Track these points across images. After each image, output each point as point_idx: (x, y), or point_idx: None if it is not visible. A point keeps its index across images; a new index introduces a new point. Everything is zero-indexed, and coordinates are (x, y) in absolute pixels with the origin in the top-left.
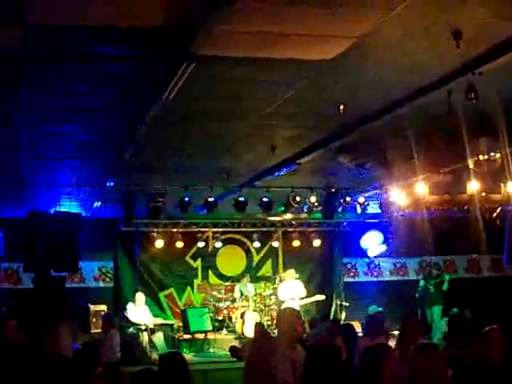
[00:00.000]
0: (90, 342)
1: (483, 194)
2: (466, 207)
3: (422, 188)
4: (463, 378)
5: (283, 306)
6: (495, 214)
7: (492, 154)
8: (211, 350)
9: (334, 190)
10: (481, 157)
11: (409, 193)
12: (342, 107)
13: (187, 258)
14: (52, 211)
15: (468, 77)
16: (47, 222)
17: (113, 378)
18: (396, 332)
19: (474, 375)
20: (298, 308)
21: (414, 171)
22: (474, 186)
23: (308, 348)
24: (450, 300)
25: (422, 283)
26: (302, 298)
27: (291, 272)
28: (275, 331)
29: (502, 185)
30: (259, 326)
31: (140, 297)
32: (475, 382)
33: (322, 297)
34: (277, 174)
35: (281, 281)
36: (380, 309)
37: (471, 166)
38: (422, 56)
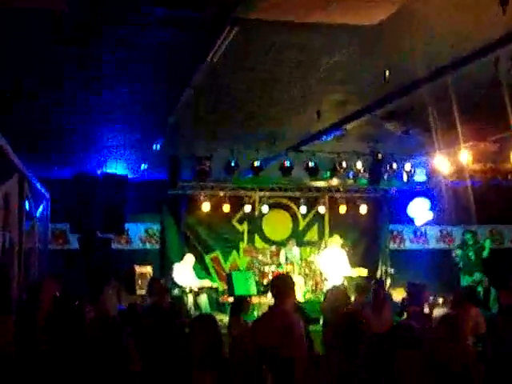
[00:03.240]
0: (135, 303)
1: None
2: (510, 176)
3: (465, 156)
4: None
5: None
6: None
7: None
8: (255, 314)
9: (380, 156)
10: None
11: (453, 161)
12: (387, 74)
13: (233, 222)
14: (99, 173)
15: None
16: (94, 184)
17: None
18: (440, 300)
19: None
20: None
21: (459, 139)
22: None
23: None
24: (494, 271)
25: (459, 252)
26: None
27: (336, 238)
28: (318, 296)
29: None
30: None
31: (189, 258)
32: None
33: (364, 271)
34: (323, 138)
35: (326, 246)
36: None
37: None
38: (468, 23)
